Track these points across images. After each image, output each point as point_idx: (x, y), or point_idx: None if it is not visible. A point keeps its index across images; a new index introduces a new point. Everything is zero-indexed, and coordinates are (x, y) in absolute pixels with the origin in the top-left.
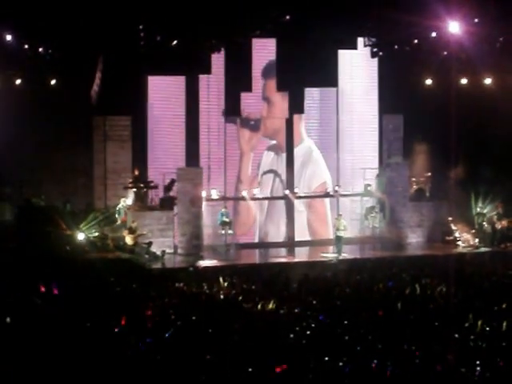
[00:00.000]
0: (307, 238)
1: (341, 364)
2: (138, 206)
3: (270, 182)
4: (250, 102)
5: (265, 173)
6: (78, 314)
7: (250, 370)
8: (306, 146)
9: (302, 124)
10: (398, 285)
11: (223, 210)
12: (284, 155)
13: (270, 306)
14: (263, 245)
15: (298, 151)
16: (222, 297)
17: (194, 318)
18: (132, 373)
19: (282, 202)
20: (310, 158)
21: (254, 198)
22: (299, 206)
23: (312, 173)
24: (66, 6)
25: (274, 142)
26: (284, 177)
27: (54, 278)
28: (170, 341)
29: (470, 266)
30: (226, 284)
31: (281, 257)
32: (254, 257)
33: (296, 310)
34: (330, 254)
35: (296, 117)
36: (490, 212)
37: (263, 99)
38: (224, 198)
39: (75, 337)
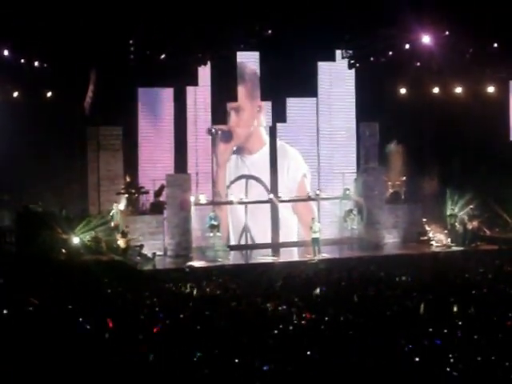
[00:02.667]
0: (292, 239)
1: (321, 358)
2: (130, 210)
3: (243, 185)
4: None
5: (236, 179)
6: (73, 315)
7: (236, 361)
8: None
9: (261, 129)
10: (376, 283)
11: (212, 213)
12: (250, 157)
13: (255, 304)
14: (249, 246)
15: (262, 154)
16: (209, 296)
17: (182, 316)
18: (122, 371)
19: (264, 205)
20: (286, 154)
21: (240, 203)
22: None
23: (292, 167)
24: (60, 22)
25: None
26: (257, 179)
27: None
28: (160, 338)
29: (443, 265)
30: (213, 283)
31: (266, 257)
32: (240, 258)
33: (280, 308)
34: (310, 255)
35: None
36: (462, 213)
37: (230, 109)
38: (212, 203)
39: (70, 337)
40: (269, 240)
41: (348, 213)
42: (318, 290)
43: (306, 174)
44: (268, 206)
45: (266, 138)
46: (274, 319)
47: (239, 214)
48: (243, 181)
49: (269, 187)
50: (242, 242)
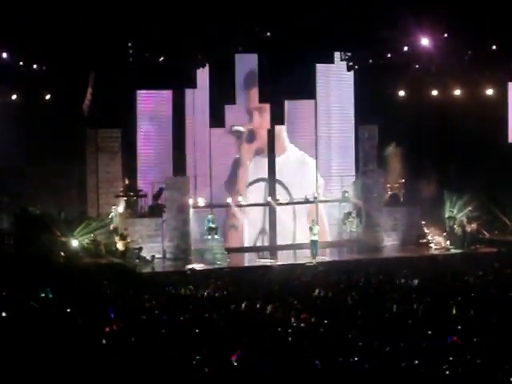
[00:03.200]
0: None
1: (322, 361)
2: (129, 213)
3: (263, 188)
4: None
5: (255, 181)
6: (72, 316)
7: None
8: (294, 153)
9: (284, 133)
10: (375, 285)
11: (210, 216)
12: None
13: (254, 307)
14: (248, 249)
15: (284, 159)
16: (208, 298)
17: (181, 318)
18: (122, 373)
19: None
20: (304, 164)
21: (238, 205)
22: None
23: (310, 178)
24: (59, 24)
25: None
26: (279, 182)
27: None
28: (160, 339)
29: (442, 267)
30: (212, 286)
31: (265, 260)
32: (240, 260)
33: (279, 311)
34: (308, 258)
35: (278, 127)
36: (461, 216)
37: (253, 109)
38: (210, 206)
39: (69, 338)
40: (289, 241)
41: (347, 215)
42: (316, 292)
43: (320, 186)
44: (287, 208)
45: (288, 145)
46: (273, 322)
47: (257, 215)
48: (262, 183)
49: (290, 191)
50: (259, 244)
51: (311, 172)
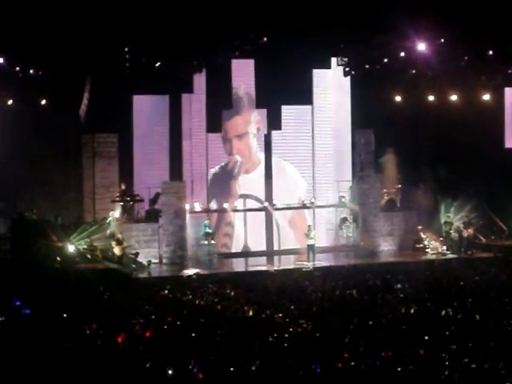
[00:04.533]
0: (286, 247)
1: (317, 366)
2: (125, 218)
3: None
4: None
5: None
6: (67, 323)
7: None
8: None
9: (254, 144)
10: (371, 290)
11: (206, 221)
12: (246, 176)
13: (250, 312)
14: (244, 254)
15: (258, 173)
16: (205, 303)
17: (178, 323)
18: (118, 378)
19: (261, 214)
20: (284, 172)
21: (235, 210)
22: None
23: (291, 183)
24: (56, 30)
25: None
26: (253, 197)
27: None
28: (155, 345)
29: (438, 272)
30: (208, 291)
31: (261, 265)
32: (235, 266)
33: (276, 316)
34: (305, 262)
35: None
36: (457, 221)
37: (233, 137)
38: (206, 211)
39: (65, 344)
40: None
41: (343, 220)
42: (313, 296)
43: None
44: (283, 214)
45: (262, 155)
46: (269, 327)
47: (255, 222)
48: (241, 200)
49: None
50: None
51: (291, 178)
